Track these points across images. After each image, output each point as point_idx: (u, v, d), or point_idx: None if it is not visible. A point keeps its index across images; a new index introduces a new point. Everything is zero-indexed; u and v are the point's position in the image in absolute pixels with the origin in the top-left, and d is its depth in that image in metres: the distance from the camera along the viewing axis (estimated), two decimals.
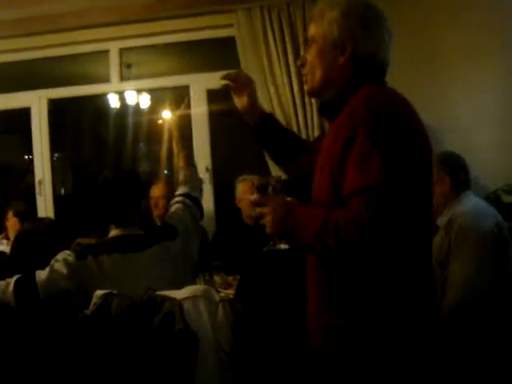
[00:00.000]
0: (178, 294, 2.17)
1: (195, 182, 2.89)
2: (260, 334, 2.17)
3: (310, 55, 1.74)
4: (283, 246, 1.68)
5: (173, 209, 2.76)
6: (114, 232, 2.59)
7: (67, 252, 2.46)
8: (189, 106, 4.52)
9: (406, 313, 1.55)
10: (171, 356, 2.09)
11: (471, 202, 2.88)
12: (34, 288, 2.32)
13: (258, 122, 2.08)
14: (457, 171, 2.96)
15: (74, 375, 2.16)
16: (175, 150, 3.02)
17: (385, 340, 1.53)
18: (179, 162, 2.91)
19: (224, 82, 2.08)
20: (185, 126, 5.12)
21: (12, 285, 2.32)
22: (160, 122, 8.00)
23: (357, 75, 1.65)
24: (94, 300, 2.18)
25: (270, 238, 1.73)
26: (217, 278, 3.47)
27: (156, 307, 2.13)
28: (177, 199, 2.81)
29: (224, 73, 2.09)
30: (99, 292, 2.17)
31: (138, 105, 6.45)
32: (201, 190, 2.96)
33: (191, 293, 2.17)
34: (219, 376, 2.08)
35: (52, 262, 2.41)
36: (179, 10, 4.78)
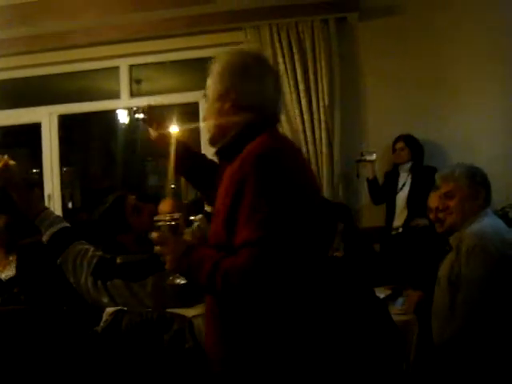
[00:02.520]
0: (188, 311, 2.18)
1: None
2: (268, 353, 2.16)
3: (205, 107, 1.86)
4: (179, 281, 1.72)
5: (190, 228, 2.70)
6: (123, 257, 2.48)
7: None
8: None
9: (284, 346, 1.64)
10: (181, 374, 2.10)
11: (488, 223, 2.70)
12: None
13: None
14: (487, 186, 2.80)
15: None
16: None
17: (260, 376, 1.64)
18: None
19: (137, 115, 2.23)
20: (194, 142, 5.18)
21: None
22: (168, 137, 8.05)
23: (247, 122, 1.72)
24: (105, 317, 2.19)
25: None
26: None
27: (166, 325, 2.13)
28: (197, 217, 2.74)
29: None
30: (110, 309, 2.18)
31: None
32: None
33: (201, 311, 2.17)
34: None
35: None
36: (188, 27, 4.84)
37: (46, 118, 5.25)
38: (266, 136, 1.68)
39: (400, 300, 3.26)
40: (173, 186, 3.32)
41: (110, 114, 6.22)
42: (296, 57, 4.60)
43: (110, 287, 2.32)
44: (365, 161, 4.50)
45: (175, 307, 2.26)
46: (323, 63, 4.58)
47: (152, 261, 2.29)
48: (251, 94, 1.74)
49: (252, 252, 1.50)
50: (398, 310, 3.04)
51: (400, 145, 4.49)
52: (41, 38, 5.03)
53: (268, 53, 4.62)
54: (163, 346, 2.12)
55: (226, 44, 4.89)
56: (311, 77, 4.59)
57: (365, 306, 2.21)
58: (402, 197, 4.47)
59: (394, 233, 4.48)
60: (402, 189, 4.49)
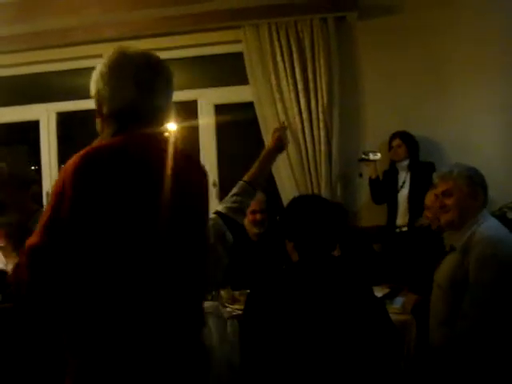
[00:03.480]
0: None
1: (239, 202, 2.72)
2: (268, 351, 2.17)
3: None
4: None
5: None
6: None
7: None
8: None
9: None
10: (184, 372, 2.10)
11: (493, 227, 2.71)
12: None
13: None
14: (485, 187, 2.80)
15: None
16: None
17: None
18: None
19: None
20: (193, 140, 5.19)
21: None
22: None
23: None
24: None
25: (275, 254, 1.77)
26: (223, 293, 3.48)
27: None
28: (211, 216, 2.68)
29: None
30: None
31: None
32: (243, 209, 2.77)
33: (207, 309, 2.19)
34: None
35: None
36: (188, 25, 4.84)
37: (45, 115, 5.25)
38: (103, 140, 1.69)
39: (398, 299, 3.28)
40: None
41: None
42: (295, 55, 4.60)
43: None
44: (368, 160, 4.50)
45: None
46: (322, 62, 4.58)
47: None
48: (110, 100, 1.71)
49: (28, 258, 1.51)
50: (396, 310, 3.06)
51: (396, 142, 4.50)
52: (41, 36, 5.03)
53: (267, 51, 4.63)
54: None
55: (225, 42, 4.92)
56: (310, 76, 4.58)
57: (362, 305, 2.22)
58: (403, 195, 4.48)
59: (398, 231, 4.48)
60: (402, 187, 4.49)
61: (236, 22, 4.74)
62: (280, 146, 2.41)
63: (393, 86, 4.69)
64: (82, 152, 1.58)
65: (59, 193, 1.53)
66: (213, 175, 4.90)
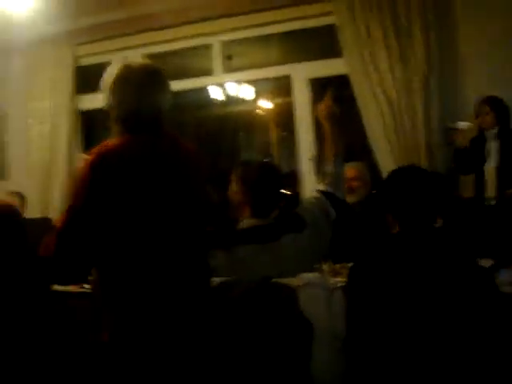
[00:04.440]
0: (293, 281, 2.22)
1: (335, 178, 2.77)
2: (373, 323, 2.17)
3: None
4: None
5: (304, 202, 2.75)
6: (248, 222, 2.60)
7: None
8: None
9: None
10: (286, 344, 2.14)
11: None
12: None
13: None
14: None
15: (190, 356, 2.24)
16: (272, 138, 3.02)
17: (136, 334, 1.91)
18: (327, 154, 2.79)
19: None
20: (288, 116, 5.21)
21: None
22: (260, 111, 8.11)
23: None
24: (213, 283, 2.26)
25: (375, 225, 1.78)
26: (325, 267, 3.49)
27: (271, 294, 2.18)
28: (313, 194, 2.76)
29: None
30: (216, 279, 2.25)
31: (239, 96, 6.56)
32: (339, 184, 2.82)
33: (306, 280, 2.21)
34: (335, 364, 2.12)
35: None
36: (279, 1, 4.84)
37: None
38: (113, 139, 1.99)
39: (504, 271, 3.18)
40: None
41: (204, 92, 6.35)
42: (389, 23, 4.48)
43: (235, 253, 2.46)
44: (455, 129, 4.33)
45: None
46: (418, 28, 4.42)
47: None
48: (116, 105, 2.03)
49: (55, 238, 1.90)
50: (504, 281, 2.98)
51: (485, 109, 4.27)
52: (133, 21, 5.19)
53: (360, 22, 4.55)
54: (268, 315, 2.17)
55: (316, 16, 4.87)
56: (406, 43, 4.46)
57: (468, 276, 2.18)
58: (491, 165, 4.27)
59: (486, 204, 4.30)
60: (490, 157, 4.30)
61: None
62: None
63: (495, 51, 4.48)
64: (96, 149, 1.93)
65: (76, 186, 1.91)
66: (309, 151, 4.91)
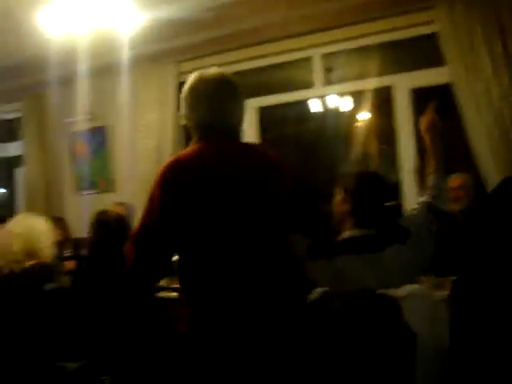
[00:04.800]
0: (396, 292, 2.20)
1: (437, 191, 2.74)
2: (478, 335, 2.12)
3: None
4: None
5: (407, 214, 2.71)
6: (350, 232, 2.61)
7: None
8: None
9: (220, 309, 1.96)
10: (390, 354, 2.13)
11: None
12: None
13: None
14: None
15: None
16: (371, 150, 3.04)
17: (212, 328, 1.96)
18: (429, 167, 2.78)
19: None
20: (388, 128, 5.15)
21: None
22: (359, 124, 8.04)
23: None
24: (313, 296, 2.28)
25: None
26: (427, 279, 3.43)
27: (373, 305, 2.17)
28: (415, 206, 2.74)
29: None
30: (319, 289, 2.27)
31: (339, 108, 6.54)
32: (442, 196, 2.80)
33: (409, 292, 2.19)
34: (440, 374, 2.08)
35: None
36: (378, 11, 4.81)
37: (248, 110, 5.51)
38: (190, 147, 2.08)
39: None
40: None
41: (303, 104, 6.38)
42: (491, 29, 4.33)
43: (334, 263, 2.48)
44: None
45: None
46: None
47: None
48: (191, 115, 2.13)
49: (134, 236, 2.02)
50: None
51: None
52: (233, 37, 5.36)
53: (462, 29, 4.44)
54: (370, 326, 2.16)
55: (416, 25, 4.79)
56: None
57: None
58: None
59: None
60: None
61: (428, 2, 4.60)
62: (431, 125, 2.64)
63: None
64: (169, 160, 2.03)
65: (152, 193, 2.00)
66: (410, 162, 4.83)
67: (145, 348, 2.59)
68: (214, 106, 2.09)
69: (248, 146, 2.17)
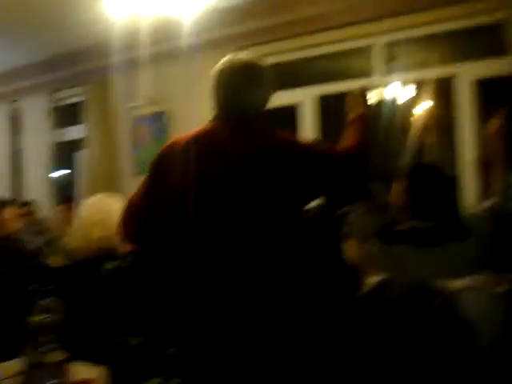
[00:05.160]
0: (456, 284, 2.18)
1: (504, 196, 2.69)
2: None
3: None
4: None
5: (470, 211, 2.68)
6: (408, 223, 2.60)
7: None
8: None
9: None
10: (446, 345, 2.12)
11: None
12: None
13: None
14: None
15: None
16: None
17: None
18: (496, 171, 2.74)
19: None
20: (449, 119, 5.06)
21: None
22: (419, 114, 7.91)
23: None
24: (370, 283, 2.28)
25: None
26: (485, 276, 3.37)
27: (432, 296, 2.16)
28: (480, 208, 2.73)
29: None
30: (376, 277, 2.27)
31: (399, 98, 6.46)
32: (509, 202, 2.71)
33: (469, 284, 2.17)
34: (496, 367, 2.06)
35: None
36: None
37: (305, 98, 5.52)
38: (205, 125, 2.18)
39: None
40: None
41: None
42: None
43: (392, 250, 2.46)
44: None
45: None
46: None
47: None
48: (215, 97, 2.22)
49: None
50: None
51: None
52: (298, 23, 5.31)
53: None
54: (428, 316, 2.15)
55: (480, 13, 4.68)
56: None
57: None
58: None
59: None
60: None
61: None
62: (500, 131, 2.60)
63: None
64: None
65: (148, 171, 2.13)
66: (470, 155, 4.74)
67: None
68: (232, 89, 2.17)
69: (257, 132, 2.16)
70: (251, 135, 2.13)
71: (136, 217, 2.11)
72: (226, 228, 1.97)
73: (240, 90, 2.15)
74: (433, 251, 2.44)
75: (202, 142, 2.07)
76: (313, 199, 2.29)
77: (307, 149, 2.17)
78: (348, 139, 2.33)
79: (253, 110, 2.17)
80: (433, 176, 2.60)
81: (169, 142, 2.13)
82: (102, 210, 3.18)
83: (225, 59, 2.21)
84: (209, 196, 1.99)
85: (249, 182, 2.02)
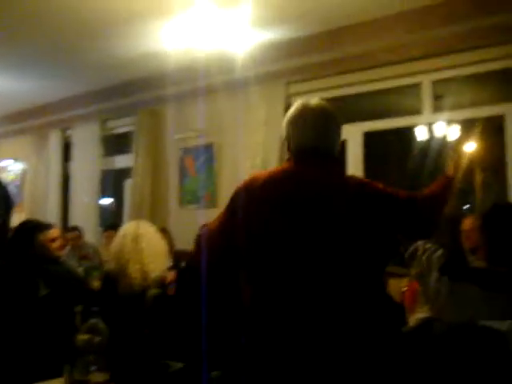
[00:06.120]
0: (502, 324, 2.15)
1: None
2: None
3: None
4: None
5: None
6: (480, 263, 2.58)
7: None
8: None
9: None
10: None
11: None
12: None
13: None
14: None
15: None
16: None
17: None
18: None
19: None
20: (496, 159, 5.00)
21: None
22: (467, 153, 7.82)
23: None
24: (415, 320, 2.26)
25: None
26: None
27: (478, 336, 2.13)
28: None
29: None
30: (421, 315, 2.25)
31: (446, 137, 6.43)
32: None
33: None
34: None
35: None
36: (493, 37, 4.70)
37: (353, 134, 5.54)
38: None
39: None
40: None
41: (409, 131, 6.32)
42: None
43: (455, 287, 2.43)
44: None
45: None
46: None
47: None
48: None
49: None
50: None
51: None
52: (348, 60, 5.39)
53: None
54: (472, 355, 2.11)
55: None
56: None
57: None
58: None
59: None
60: None
61: None
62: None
63: None
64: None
65: (227, 204, 2.17)
66: None
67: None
68: (313, 132, 2.19)
69: (332, 173, 2.17)
70: (332, 176, 2.16)
71: (212, 243, 2.14)
72: (299, 265, 1.98)
73: (321, 133, 2.20)
74: (499, 297, 2.39)
75: (282, 180, 2.13)
76: (387, 240, 2.24)
77: (380, 190, 2.15)
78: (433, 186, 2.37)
79: (331, 153, 2.23)
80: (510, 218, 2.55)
81: (248, 178, 2.18)
82: (136, 240, 3.28)
83: (300, 103, 2.25)
84: (289, 233, 2.01)
85: (331, 223, 2.02)
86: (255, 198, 2.06)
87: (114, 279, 3.21)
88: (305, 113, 2.21)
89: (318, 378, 1.88)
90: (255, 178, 2.14)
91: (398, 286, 3.75)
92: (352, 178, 2.22)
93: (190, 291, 3.07)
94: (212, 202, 6.46)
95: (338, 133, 2.24)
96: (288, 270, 1.98)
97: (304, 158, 2.16)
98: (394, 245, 2.32)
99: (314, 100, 2.25)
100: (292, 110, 2.24)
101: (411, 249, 2.68)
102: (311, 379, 1.88)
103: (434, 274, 2.47)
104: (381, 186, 2.15)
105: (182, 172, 6.85)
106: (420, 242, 2.65)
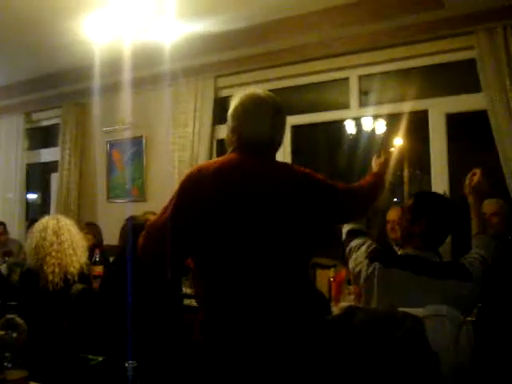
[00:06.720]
0: (421, 311, 2.19)
1: (488, 248, 2.71)
2: (503, 360, 2.11)
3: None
4: None
5: (471, 257, 2.65)
6: (412, 250, 2.62)
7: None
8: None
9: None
10: (410, 374, 2.11)
11: None
12: None
13: None
14: None
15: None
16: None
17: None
18: (473, 227, 2.76)
19: None
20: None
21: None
22: (392, 149, 8.01)
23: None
24: (337, 310, 2.29)
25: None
26: None
27: (397, 323, 2.17)
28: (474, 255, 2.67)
29: None
30: (344, 304, 2.27)
31: (373, 131, 6.55)
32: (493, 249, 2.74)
33: (434, 312, 2.18)
34: None
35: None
36: (419, 35, 4.81)
37: None
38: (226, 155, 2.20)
39: None
40: None
41: (336, 125, 6.41)
42: None
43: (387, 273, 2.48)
44: None
45: None
46: None
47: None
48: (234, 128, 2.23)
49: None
50: None
51: None
52: (276, 54, 5.43)
53: (501, 56, 4.40)
54: (392, 344, 2.15)
55: (456, 50, 4.78)
56: None
57: None
58: None
59: None
60: None
61: (468, 27, 4.57)
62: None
63: None
64: (195, 166, 2.22)
65: (172, 197, 2.07)
66: (443, 186, 4.81)
67: (162, 352, 2.64)
68: (256, 123, 2.20)
69: (277, 163, 2.24)
70: (277, 166, 2.21)
71: (161, 236, 2.05)
72: (249, 244, 2.04)
73: (273, 126, 2.21)
74: (433, 284, 2.43)
75: (232, 172, 2.10)
76: (323, 230, 2.32)
77: (322, 181, 2.25)
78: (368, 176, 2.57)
79: (276, 143, 2.25)
80: (448, 210, 2.62)
81: (192, 169, 2.14)
82: (57, 234, 3.24)
83: (245, 93, 2.23)
84: (241, 215, 2.03)
85: (280, 215, 2.07)
86: (206, 190, 2.03)
87: (34, 274, 3.16)
88: (257, 105, 2.21)
89: (258, 366, 1.94)
90: (201, 169, 2.10)
91: (326, 276, 3.83)
92: (297, 168, 2.25)
93: (119, 285, 3.03)
94: (141, 196, 6.38)
95: (283, 123, 2.27)
96: (240, 259, 2.01)
97: (253, 149, 2.17)
98: (325, 234, 2.38)
99: (262, 92, 2.25)
100: (239, 102, 2.22)
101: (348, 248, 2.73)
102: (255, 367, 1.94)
103: (365, 262, 2.53)
104: (321, 176, 2.25)
105: (110, 165, 6.73)
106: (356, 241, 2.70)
